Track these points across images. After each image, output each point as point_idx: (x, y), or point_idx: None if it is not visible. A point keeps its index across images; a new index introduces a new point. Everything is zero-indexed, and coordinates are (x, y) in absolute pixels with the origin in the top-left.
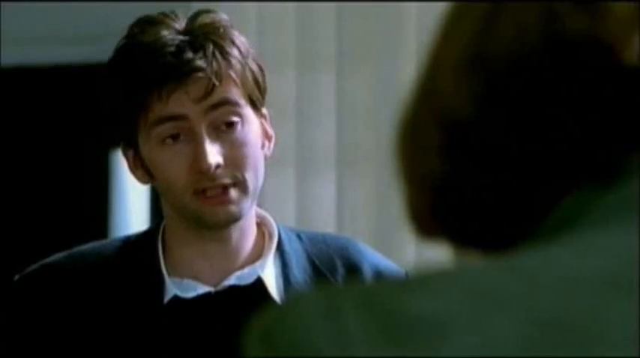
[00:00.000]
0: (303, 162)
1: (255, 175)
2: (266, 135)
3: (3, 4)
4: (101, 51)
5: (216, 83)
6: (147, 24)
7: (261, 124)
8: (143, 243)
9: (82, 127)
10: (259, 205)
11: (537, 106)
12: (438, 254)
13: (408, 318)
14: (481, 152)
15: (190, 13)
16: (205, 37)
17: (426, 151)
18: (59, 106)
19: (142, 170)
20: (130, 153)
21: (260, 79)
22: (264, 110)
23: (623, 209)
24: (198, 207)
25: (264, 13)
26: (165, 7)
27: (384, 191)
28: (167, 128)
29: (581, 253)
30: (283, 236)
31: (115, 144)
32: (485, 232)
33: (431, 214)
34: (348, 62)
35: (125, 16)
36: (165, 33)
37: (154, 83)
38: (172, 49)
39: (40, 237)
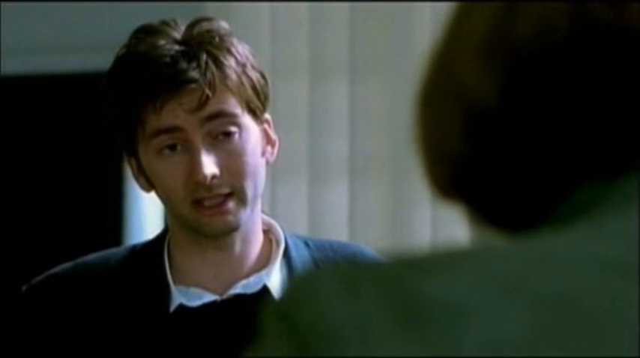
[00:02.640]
0: (315, 169)
1: (253, 184)
2: (268, 141)
3: (25, 13)
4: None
5: (210, 94)
6: (145, 33)
7: (263, 131)
8: (149, 251)
9: (97, 134)
10: (271, 213)
11: (561, 95)
12: None
13: (426, 302)
14: (502, 138)
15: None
16: (200, 47)
17: (446, 132)
18: (75, 113)
19: (144, 178)
20: (133, 161)
21: (260, 87)
22: (266, 116)
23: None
24: (196, 217)
25: (276, 21)
26: (179, 7)
27: (397, 198)
28: (163, 140)
29: (598, 239)
30: (290, 243)
31: None
32: (502, 212)
33: (450, 187)
34: (361, 69)
35: (140, 23)
36: (162, 43)
37: (148, 94)
38: (167, 59)
39: (54, 243)
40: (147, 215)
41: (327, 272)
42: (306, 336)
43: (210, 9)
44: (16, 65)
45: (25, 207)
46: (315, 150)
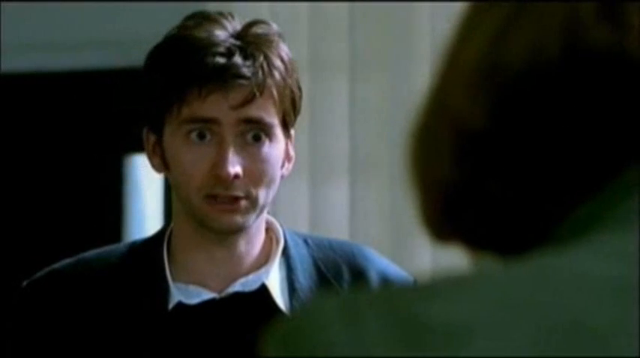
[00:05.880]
0: (316, 168)
1: (267, 192)
2: (287, 156)
3: (33, 12)
4: (120, 57)
5: (257, 94)
6: (203, 19)
7: (286, 145)
8: (148, 248)
9: (98, 132)
10: (272, 211)
11: (552, 120)
12: (453, 259)
13: (427, 324)
14: (493, 162)
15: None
16: (258, 46)
17: (438, 158)
18: (75, 111)
19: (160, 159)
20: (152, 137)
21: (297, 102)
22: (292, 131)
23: (638, 215)
24: (205, 211)
25: (276, 20)
26: (179, 7)
27: (396, 197)
28: (197, 127)
29: (600, 259)
30: (290, 241)
31: (129, 149)
32: (497, 237)
33: (443, 219)
34: (361, 68)
35: (144, 22)
36: (218, 32)
37: (198, 79)
38: (222, 49)
39: (55, 240)
40: (147, 212)
41: (329, 299)
42: None
43: (210, 8)
44: (16, 63)
45: (27, 203)
46: (315, 149)
